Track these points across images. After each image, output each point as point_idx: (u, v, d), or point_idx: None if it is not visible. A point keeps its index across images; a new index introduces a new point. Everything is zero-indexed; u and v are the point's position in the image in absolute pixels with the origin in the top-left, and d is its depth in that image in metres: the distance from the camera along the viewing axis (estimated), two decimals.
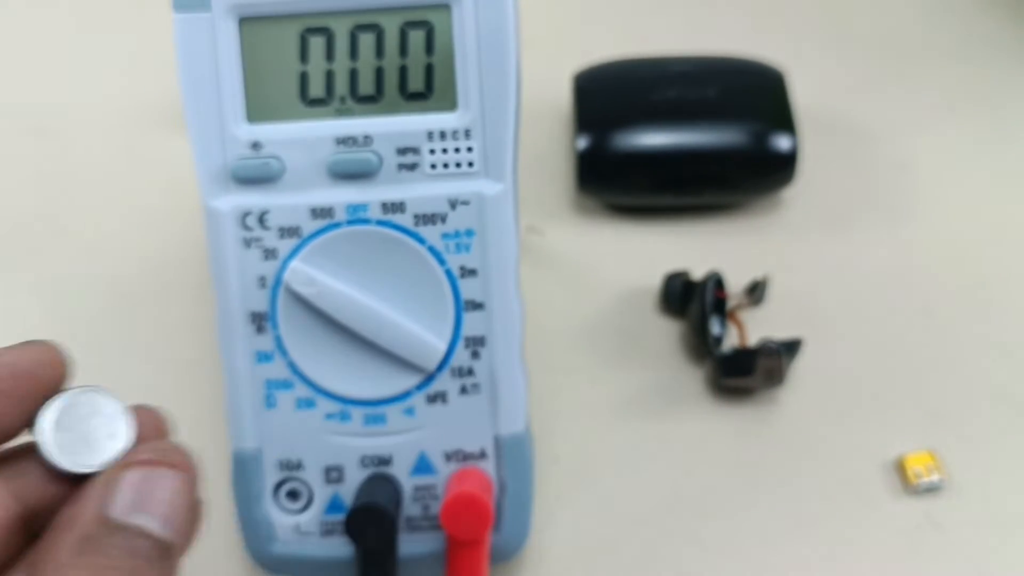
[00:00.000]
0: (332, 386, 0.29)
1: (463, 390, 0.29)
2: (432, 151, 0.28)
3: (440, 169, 0.28)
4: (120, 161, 0.44)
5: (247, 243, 0.28)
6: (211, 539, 0.33)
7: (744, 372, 0.35)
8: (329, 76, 0.28)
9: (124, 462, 0.20)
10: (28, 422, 0.21)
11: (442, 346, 0.28)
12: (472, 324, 0.29)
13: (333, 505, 0.29)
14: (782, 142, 0.40)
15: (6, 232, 0.42)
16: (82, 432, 0.21)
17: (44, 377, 0.21)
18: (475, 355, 0.29)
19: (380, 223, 0.28)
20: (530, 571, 0.33)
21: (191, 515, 0.21)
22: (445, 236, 0.28)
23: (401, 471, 0.29)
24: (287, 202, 0.28)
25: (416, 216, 0.28)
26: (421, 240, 0.28)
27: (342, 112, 0.28)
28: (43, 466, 0.21)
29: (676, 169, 0.40)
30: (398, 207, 0.28)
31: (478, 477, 0.29)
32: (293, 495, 0.30)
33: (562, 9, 0.51)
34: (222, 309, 0.29)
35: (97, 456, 0.21)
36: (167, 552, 0.20)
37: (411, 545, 0.29)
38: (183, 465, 0.21)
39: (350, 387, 0.29)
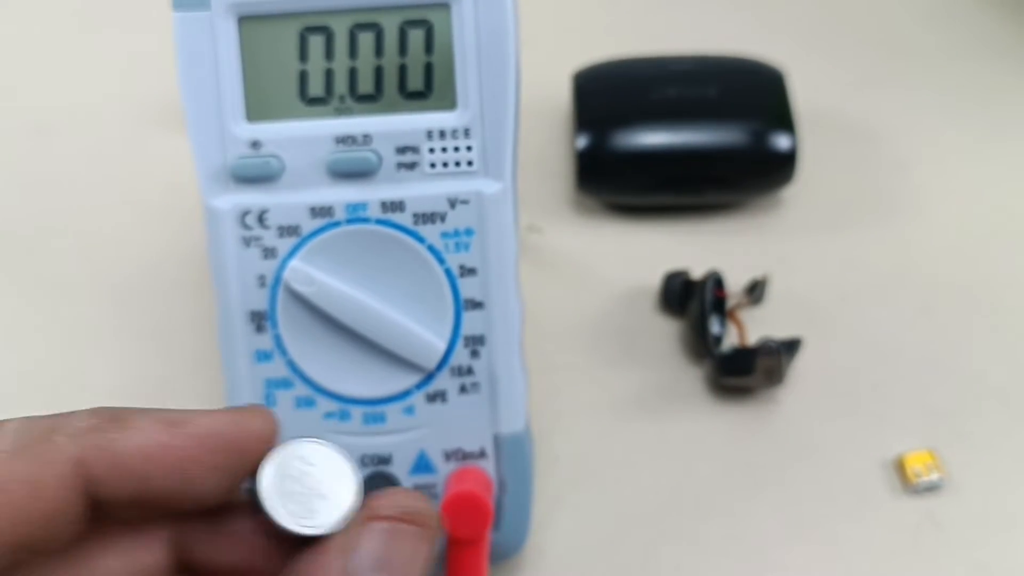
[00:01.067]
0: (331, 385, 0.29)
1: (463, 389, 0.29)
2: (431, 150, 0.28)
3: (439, 168, 0.28)
4: (120, 160, 0.45)
5: (247, 242, 0.28)
6: None
7: (744, 371, 0.35)
8: (328, 75, 0.28)
9: (366, 515, 0.19)
10: (231, 490, 0.20)
11: (441, 345, 0.28)
12: (472, 323, 0.29)
13: None
14: (782, 141, 0.40)
15: (6, 231, 0.42)
16: (302, 490, 0.20)
17: (255, 450, 0.20)
18: (475, 354, 0.29)
19: (379, 222, 0.28)
20: (530, 570, 0.33)
21: (429, 573, 0.20)
22: (444, 235, 0.28)
23: (401, 470, 0.29)
24: (286, 201, 0.28)
25: (415, 215, 0.28)
26: (420, 239, 0.28)
27: (341, 111, 0.28)
28: (247, 527, 0.20)
29: (675, 168, 0.40)
30: (397, 206, 0.28)
31: (478, 476, 0.29)
32: None
33: (562, 8, 0.51)
34: (222, 308, 0.29)
35: (322, 516, 0.19)
36: None
37: None
38: (426, 522, 0.20)
39: (349, 386, 0.29)
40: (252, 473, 0.20)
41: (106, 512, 0.18)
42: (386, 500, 0.20)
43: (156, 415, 0.18)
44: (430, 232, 0.28)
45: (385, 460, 0.29)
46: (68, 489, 0.17)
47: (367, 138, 0.28)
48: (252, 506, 0.20)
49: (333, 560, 0.18)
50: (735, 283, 0.39)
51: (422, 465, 0.29)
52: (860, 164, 0.44)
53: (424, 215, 0.28)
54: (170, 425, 0.18)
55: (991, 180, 0.44)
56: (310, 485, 0.20)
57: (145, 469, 0.18)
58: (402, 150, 0.28)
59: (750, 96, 0.41)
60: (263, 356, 0.29)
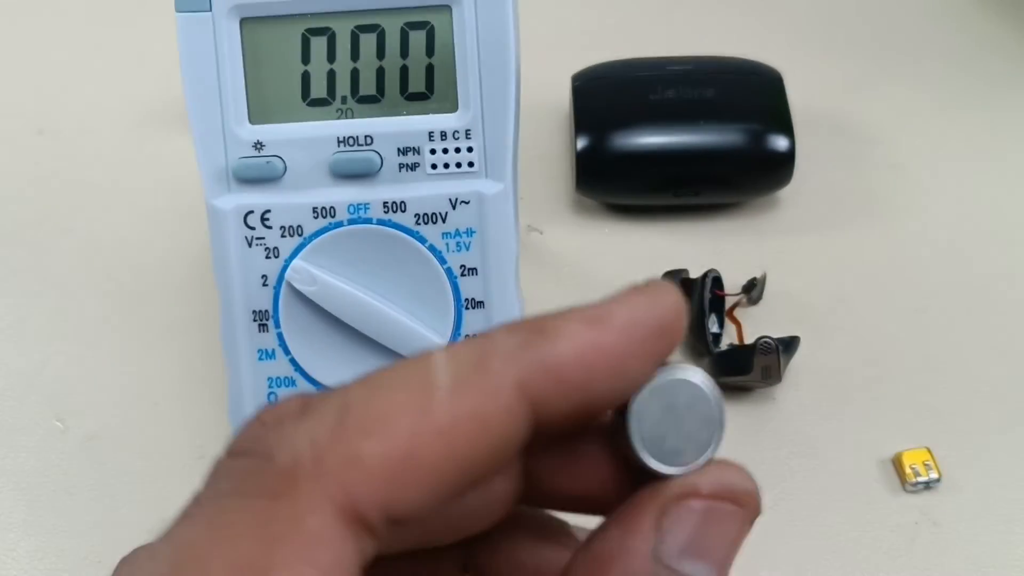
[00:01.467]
0: (334, 383, 0.29)
1: None
2: (433, 151, 0.28)
3: (441, 169, 0.28)
4: (124, 161, 0.45)
5: (250, 242, 0.29)
6: None
7: (741, 370, 0.35)
8: (331, 76, 0.29)
9: (682, 491, 0.17)
10: (624, 399, 0.17)
11: (443, 344, 0.29)
12: (472, 322, 0.29)
13: None
14: (779, 142, 0.40)
15: (10, 231, 0.42)
16: (666, 418, 0.17)
17: (675, 328, 0.17)
18: None
19: (381, 222, 0.28)
20: None
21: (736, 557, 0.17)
22: (445, 235, 0.28)
23: None
24: (289, 201, 0.28)
25: (417, 215, 0.28)
26: (422, 239, 0.28)
27: (343, 112, 0.29)
28: (599, 454, 0.18)
29: (674, 169, 0.40)
30: (399, 206, 0.28)
31: None
32: None
33: (561, 11, 0.52)
34: (225, 307, 0.29)
35: (677, 457, 0.17)
36: None
37: None
38: (749, 502, 0.17)
39: None
40: (671, 351, 0.17)
41: (542, 434, 0.16)
42: (708, 474, 0.17)
43: (576, 316, 0.16)
44: (431, 232, 0.28)
45: None
46: (515, 417, 0.15)
47: (369, 139, 0.28)
48: (609, 430, 0.18)
49: (641, 540, 0.16)
50: (733, 282, 0.39)
51: None
52: (856, 164, 0.45)
53: (425, 215, 0.28)
54: (595, 323, 0.16)
55: (986, 180, 0.44)
56: (676, 420, 0.17)
57: (585, 376, 0.16)
58: (404, 151, 0.28)
59: (748, 98, 0.41)
60: (266, 354, 0.29)
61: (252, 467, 0.15)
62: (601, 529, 0.17)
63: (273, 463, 0.14)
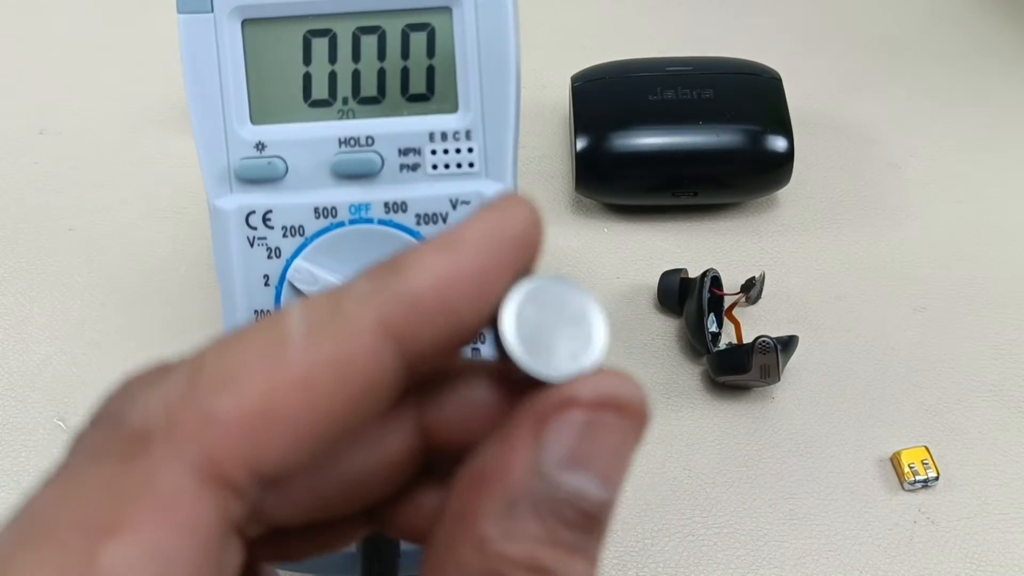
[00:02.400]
0: None
1: None
2: (433, 152, 0.29)
3: (441, 169, 0.29)
4: (126, 161, 0.45)
5: (251, 242, 0.29)
6: None
7: (740, 369, 0.35)
8: (332, 78, 0.29)
9: (562, 400, 0.16)
10: (492, 315, 0.16)
11: None
12: None
13: None
14: (778, 143, 0.40)
15: (11, 230, 0.42)
16: (543, 326, 0.16)
17: (534, 239, 0.17)
18: (475, 352, 0.29)
19: (382, 222, 0.29)
20: None
21: (628, 471, 0.16)
22: None
23: None
24: (291, 202, 0.29)
25: (418, 216, 0.29)
26: (423, 239, 0.29)
27: (345, 113, 0.29)
28: (487, 392, 0.17)
29: (673, 170, 0.41)
30: (400, 207, 0.29)
31: None
32: None
33: (561, 12, 0.52)
34: (227, 307, 0.29)
35: (562, 362, 0.16)
36: (600, 522, 0.16)
37: None
38: (635, 410, 0.16)
39: None
40: (533, 264, 0.17)
41: (419, 373, 0.16)
42: (589, 382, 0.16)
43: (428, 245, 0.16)
44: (432, 232, 0.29)
45: None
46: (380, 359, 0.15)
47: (370, 140, 0.29)
48: (490, 366, 0.18)
49: (519, 454, 0.15)
50: (732, 282, 0.39)
51: None
52: (855, 165, 0.45)
53: (426, 215, 0.29)
54: (448, 247, 0.16)
55: (983, 180, 0.44)
56: (552, 325, 0.16)
57: (445, 301, 0.15)
58: (405, 152, 0.29)
59: (747, 98, 0.41)
60: None
61: (105, 432, 0.14)
62: (482, 447, 0.16)
63: (125, 427, 0.14)
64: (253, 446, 0.14)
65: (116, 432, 0.14)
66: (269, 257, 0.29)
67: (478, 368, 0.18)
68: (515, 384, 0.17)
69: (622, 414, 0.16)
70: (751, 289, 0.39)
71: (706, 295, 0.37)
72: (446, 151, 0.28)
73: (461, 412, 0.17)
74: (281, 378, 0.14)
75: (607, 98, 0.42)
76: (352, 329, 0.15)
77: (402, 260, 0.16)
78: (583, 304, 0.17)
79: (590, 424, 0.16)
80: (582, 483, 0.15)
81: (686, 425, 0.36)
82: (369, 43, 0.29)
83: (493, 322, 0.16)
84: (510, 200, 0.17)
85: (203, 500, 0.14)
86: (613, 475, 0.16)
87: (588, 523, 0.15)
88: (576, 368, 0.16)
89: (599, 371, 0.16)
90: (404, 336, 0.15)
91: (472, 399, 0.17)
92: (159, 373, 0.15)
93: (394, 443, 0.17)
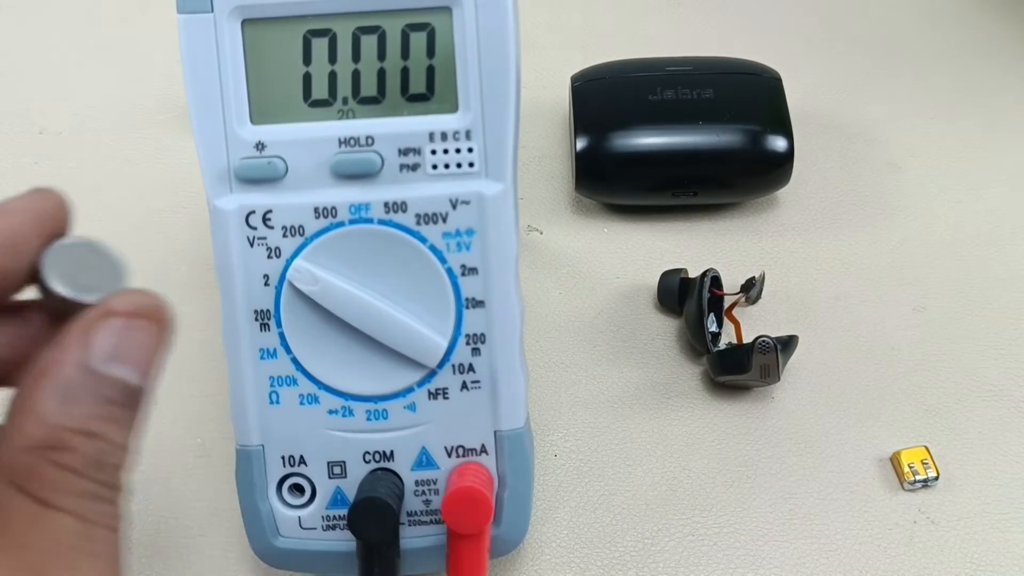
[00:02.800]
0: (335, 382, 0.29)
1: (464, 386, 0.29)
2: (433, 152, 0.29)
3: (441, 169, 0.29)
4: (126, 160, 0.45)
5: (251, 242, 0.29)
6: (215, 533, 0.34)
7: (740, 369, 0.35)
8: (332, 78, 0.29)
9: (102, 312, 0.21)
10: (31, 274, 0.22)
11: (443, 343, 0.29)
12: (473, 321, 0.29)
13: (336, 500, 0.30)
14: (778, 143, 0.40)
15: None
16: (79, 272, 0.22)
17: (48, 226, 0.22)
18: (476, 352, 0.29)
19: (382, 222, 0.29)
20: (529, 564, 0.33)
21: (160, 364, 0.22)
22: (446, 235, 0.29)
23: (403, 466, 0.30)
24: (291, 202, 0.29)
25: (418, 215, 0.29)
26: (423, 239, 0.29)
27: (345, 113, 0.29)
28: (31, 312, 0.22)
29: (673, 169, 0.41)
30: (400, 207, 0.29)
31: (479, 472, 0.29)
32: (296, 490, 0.30)
33: (561, 12, 0.52)
34: (227, 307, 0.29)
35: (90, 294, 0.21)
36: (137, 400, 0.21)
37: (413, 538, 0.30)
38: (159, 317, 0.22)
39: (353, 383, 0.29)
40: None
41: None
42: (121, 298, 0.21)
43: None
44: (432, 232, 0.29)
45: (388, 456, 0.30)
46: None
47: (370, 140, 0.29)
48: (39, 302, 0.22)
49: (71, 353, 0.20)
50: (732, 282, 0.39)
51: (424, 461, 0.30)
52: (855, 164, 0.45)
53: (426, 215, 0.29)
54: None
55: (983, 180, 0.44)
56: (84, 272, 0.22)
57: None
58: (404, 152, 0.29)
59: (747, 98, 0.41)
60: (268, 354, 0.29)
61: None
62: (38, 354, 0.20)
63: None
64: None
65: None
66: (269, 257, 0.29)
67: (31, 304, 0.23)
68: (60, 314, 0.21)
69: (150, 320, 0.21)
70: (751, 289, 0.39)
71: (706, 295, 0.37)
72: (446, 151, 0.28)
73: (18, 335, 0.22)
74: None
75: (607, 98, 0.42)
76: None
77: None
78: (103, 250, 0.22)
79: (126, 327, 0.21)
80: (123, 373, 0.21)
81: (686, 425, 0.36)
82: (369, 43, 0.29)
83: (36, 273, 0.21)
84: (45, 188, 0.23)
85: None
86: (148, 368, 0.21)
87: (128, 401, 0.21)
88: (108, 290, 0.21)
89: (127, 291, 0.22)
90: None
91: (25, 326, 0.23)
92: None
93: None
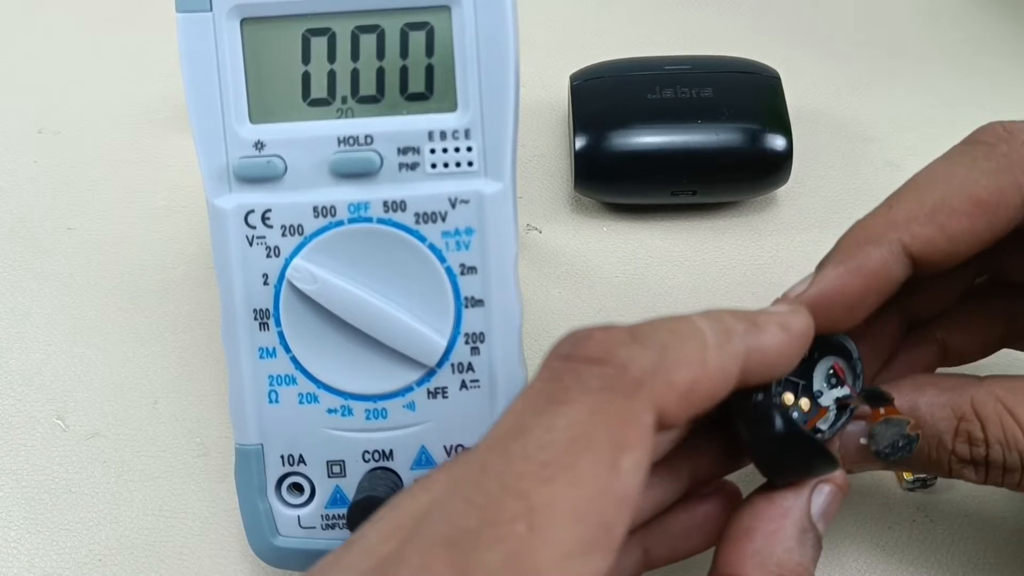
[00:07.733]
0: (334, 381, 0.29)
1: (463, 385, 0.29)
2: (432, 151, 0.29)
3: (440, 168, 0.29)
4: (124, 160, 0.45)
5: (250, 241, 0.29)
6: (214, 532, 0.34)
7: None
8: (331, 77, 0.29)
9: (826, 478, 0.25)
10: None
11: (442, 342, 0.29)
12: (472, 320, 0.29)
13: (335, 499, 0.30)
14: (777, 141, 0.40)
15: (11, 230, 0.42)
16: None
17: (804, 348, 0.25)
18: (475, 351, 0.29)
19: (381, 221, 0.29)
20: None
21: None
22: (445, 234, 0.29)
23: (402, 465, 0.30)
24: (290, 201, 0.29)
25: (417, 214, 0.29)
26: (422, 238, 0.29)
27: (344, 112, 0.29)
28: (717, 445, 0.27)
29: (672, 168, 0.41)
30: (399, 205, 0.29)
31: None
32: (296, 489, 0.30)
33: (560, 11, 0.52)
34: (226, 306, 0.29)
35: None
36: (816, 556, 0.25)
37: None
38: (848, 491, 0.26)
39: (352, 382, 0.29)
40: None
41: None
42: (839, 474, 0.25)
43: (774, 319, 0.24)
44: (431, 231, 0.29)
45: (387, 455, 0.30)
46: (733, 379, 0.23)
47: (369, 139, 0.29)
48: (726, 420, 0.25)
49: (797, 502, 0.24)
50: (731, 280, 0.39)
51: (423, 460, 0.30)
52: (854, 163, 0.45)
53: (425, 214, 0.29)
54: (784, 329, 0.24)
55: None
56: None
57: (776, 361, 0.24)
58: (403, 151, 0.29)
59: (746, 97, 0.41)
60: (267, 353, 0.29)
61: (612, 373, 0.21)
62: (749, 502, 0.25)
63: (628, 372, 0.21)
64: (679, 408, 0.21)
65: (621, 374, 0.21)
66: (268, 256, 0.29)
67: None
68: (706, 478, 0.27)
69: (846, 493, 0.26)
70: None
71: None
72: (445, 150, 0.29)
73: (664, 495, 0.26)
74: (703, 371, 0.22)
75: (606, 97, 0.42)
76: (733, 353, 0.23)
77: (758, 320, 0.24)
78: None
79: (835, 494, 0.25)
80: (822, 529, 0.25)
81: None
82: (368, 42, 0.29)
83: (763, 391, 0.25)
84: (798, 310, 0.26)
85: (653, 436, 0.21)
86: (827, 527, 0.25)
87: (817, 556, 0.24)
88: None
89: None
90: (745, 373, 0.23)
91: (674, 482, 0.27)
92: (631, 337, 0.22)
93: (673, 488, 0.26)
